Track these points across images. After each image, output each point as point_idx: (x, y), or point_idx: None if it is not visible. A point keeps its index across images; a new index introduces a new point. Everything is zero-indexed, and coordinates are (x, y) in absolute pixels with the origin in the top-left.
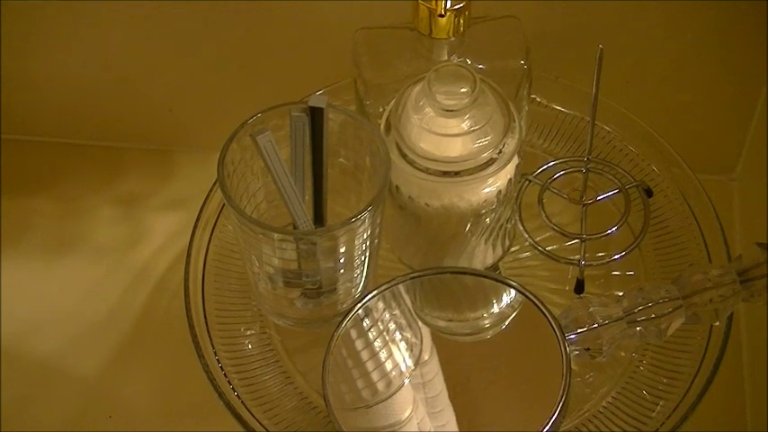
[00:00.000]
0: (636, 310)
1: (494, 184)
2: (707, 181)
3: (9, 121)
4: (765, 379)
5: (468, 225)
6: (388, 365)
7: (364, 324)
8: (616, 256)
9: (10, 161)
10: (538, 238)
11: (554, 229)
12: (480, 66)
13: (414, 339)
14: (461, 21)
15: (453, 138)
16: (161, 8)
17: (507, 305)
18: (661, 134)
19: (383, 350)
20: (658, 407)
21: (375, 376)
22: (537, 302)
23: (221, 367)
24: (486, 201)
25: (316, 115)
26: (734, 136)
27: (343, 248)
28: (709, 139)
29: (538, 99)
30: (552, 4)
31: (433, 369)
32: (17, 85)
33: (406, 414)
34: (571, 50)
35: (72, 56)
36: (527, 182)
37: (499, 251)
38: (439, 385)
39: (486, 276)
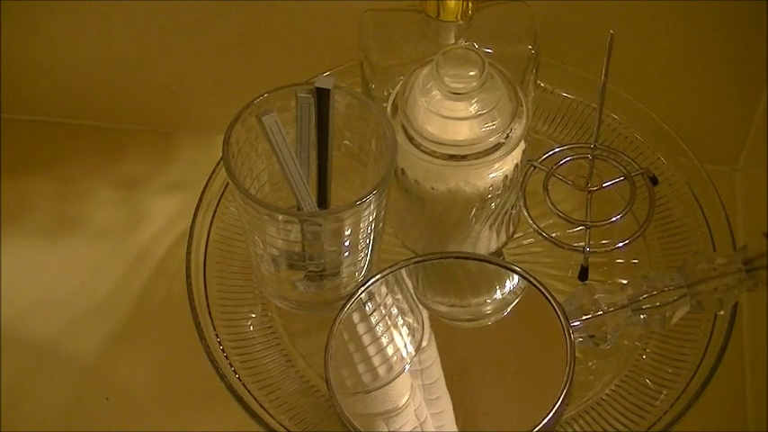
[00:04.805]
0: (641, 298)
1: (500, 169)
2: (710, 171)
3: (11, 101)
4: (767, 368)
5: (474, 210)
6: (390, 350)
7: (367, 308)
8: (620, 244)
9: (11, 141)
10: (542, 225)
11: (559, 215)
12: (487, 50)
13: (415, 324)
14: (470, 4)
15: (460, 121)
16: None
17: (510, 291)
18: (665, 123)
19: (385, 335)
20: (662, 395)
21: (376, 361)
22: (542, 288)
23: (222, 350)
24: (492, 186)
25: (322, 96)
26: (738, 126)
27: (348, 231)
28: (713, 129)
29: (543, 85)
30: None
31: (431, 356)
32: (19, 65)
33: (404, 400)
34: (578, 37)
35: (74, 36)
36: (532, 168)
37: (503, 237)
38: (436, 372)
39: (489, 261)
